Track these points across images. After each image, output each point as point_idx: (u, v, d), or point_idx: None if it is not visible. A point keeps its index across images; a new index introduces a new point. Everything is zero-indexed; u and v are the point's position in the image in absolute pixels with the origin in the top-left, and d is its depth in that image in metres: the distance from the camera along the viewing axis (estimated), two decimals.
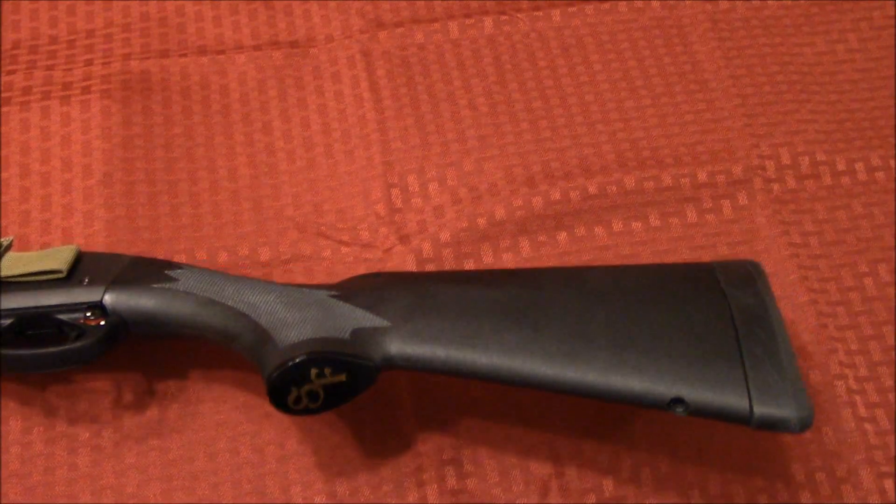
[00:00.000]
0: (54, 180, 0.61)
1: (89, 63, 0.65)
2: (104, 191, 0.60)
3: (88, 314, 0.50)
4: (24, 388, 0.54)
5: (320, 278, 0.59)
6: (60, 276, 0.51)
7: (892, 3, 0.70)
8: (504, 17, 0.68)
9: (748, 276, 0.51)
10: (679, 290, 0.50)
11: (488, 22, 0.68)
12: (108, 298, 0.50)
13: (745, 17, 0.69)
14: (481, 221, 0.60)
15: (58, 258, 0.51)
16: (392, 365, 0.48)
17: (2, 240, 0.54)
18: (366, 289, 0.51)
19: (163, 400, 0.54)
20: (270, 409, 0.48)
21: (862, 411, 0.56)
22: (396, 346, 0.48)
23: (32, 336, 0.51)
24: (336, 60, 0.66)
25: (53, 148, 0.62)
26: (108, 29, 0.67)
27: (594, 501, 0.53)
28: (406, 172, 0.62)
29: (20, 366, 0.50)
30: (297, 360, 0.46)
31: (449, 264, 0.59)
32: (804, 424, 0.44)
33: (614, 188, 0.62)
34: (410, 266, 0.59)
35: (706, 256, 0.60)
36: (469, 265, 0.59)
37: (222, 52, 0.66)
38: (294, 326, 0.48)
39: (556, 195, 0.61)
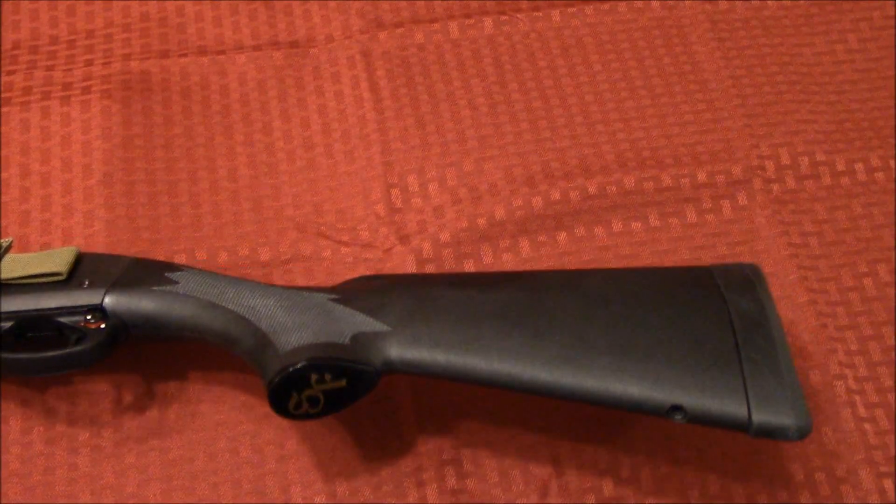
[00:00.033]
0: (54, 180, 0.61)
1: (89, 63, 0.65)
2: (104, 191, 0.60)
3: (89, 317, 0.50)
4: (24, 389, 0.54)
5: (320, 278, 0.59)
6: (60, 278, 0.51)
7: (892, 3, 0.71)
8: (504, 18, 0.68)
9: (748, 280, 0.51)
10: (679, 296, 0.50)
11: (488, 22, 0.68)
12: (109, 301, 0.50)
13: (744, 17, 0.69)
14: (481, 221, 0.60)
15: (57, 260, 0.51)
16: (392, 370, 0.48)
17: (1, 241, 0.54)
18: (365, 292, 0.51)
19: (163, 400, 0.54)
20: (270, 409, 0.48)
21: (861, 411, 0.56)
22: (396, 351, 0.48)
23: (33, 339, 0.51)
24: (336, 61, 0.66)
25: (53, 148, 0.62)
26: (108, 29, 0.67)
27: (593, 502, 0.53)
28: (406, 172, 0.62)
29: (21, 370, 0.50)
30: (298, 366, 0.46)
31: (449, 264, 0.59)
32: (802, 433, 0.44)
33: (614, 188, 0.62)
34: (410, 266, 0.59)
35: (706, 256, 0.60)
36: (469, 265, 0.59)
37: (222, 52, 0.66)
38: (294, 331, 0.48)
39: (556, 195, 0.61)
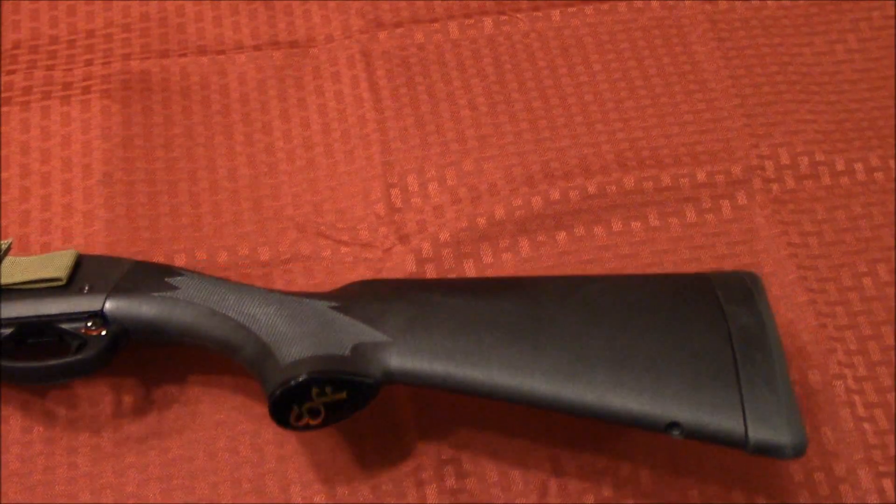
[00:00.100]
0: (54, 180, 0.61)
1: (89, 63, 0.65)
2: (104, 191, 0.60)
3: (90, 324, 0.49)
4: (24, 389, 0.54)
5: (320, 278, 0.59)
6: (60, 283, 0.50)
7: (892, 3, 0.71)
8: (504, 18, 0.68)
9: (747, 292, 0.51)
10: (678, 308, 0.50)
11: (488, 22, 0.68)
12: (109, 307, 0.50)
13: (744, 17, 0.69)
14: (481, 221, 0.60)
15: (57, 264, 0.51)
16: (392, 380, 0.48)
17: (0, 243, 0.54)
18: (365, 299, 0.51)
19: (162, 400, 0.54)
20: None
21: (861, 411, 0.56)
22: (396, 363, 0.48)
23: (33, 345, 0.51)
24: (336, 60, 0.66)
25: (53, 148, 0.62)
26: (108, 29, 0.67)
27: (592, 502, 0.53)
28: (406, 172, 0.62)
29: (21, 378, 0.51)
30: (299, 380, 0.47)
31: (448, 264, 0.59)
32: (798, 451, 0.45)
33: (613, 188, 0.62)
34: (410, 266, 0.59)
35: (705, 256, 0.60)
36: (468, 265, 0.59)
37: (222, 52, 0.66)
38: (295, 342, 0.48)
39: (556, 195, 0.62)
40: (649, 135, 0.64)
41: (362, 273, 0.59)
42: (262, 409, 0.54)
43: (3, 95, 0.64)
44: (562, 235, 0.61)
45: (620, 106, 0.66)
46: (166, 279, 0.51)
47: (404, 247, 0.60)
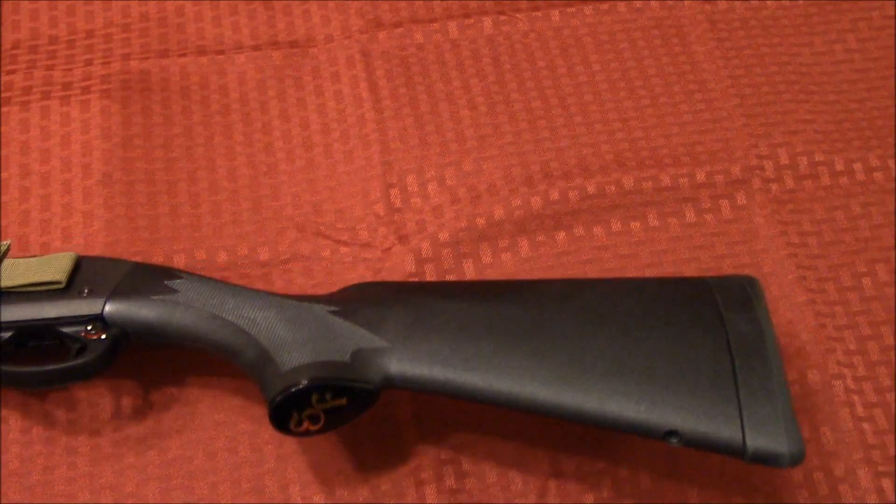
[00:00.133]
0: (54, 180, 0.61)
1: (89, 63, 0.65)
2: (104, 191, 0.60)
3: (89, 327, 0.50)
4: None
5: (319, 278, 0.59)
6: (59, 286, 0.50)
7: (891, 3, 0.71)
8: (503, 18, 0.69)
9: (746, 298, 0.51)
10: (677, 315, 0.50)
11: (487, 22, 0.68)
12: (109, 310, 0.50)
13: (743, 17, 0.69)
14: (480, 221, 0.61)
15: (56, 267, 0.51)
16: (391, 386, 0.48)
17: None
18: (364, 303, 0.51)
19: (162, 400, 0.54)
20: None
21: (860, 411, 0.56)
22: (396, 368, 0.48)
23: (34, 348, 0.51)
24: (335, 60, 0.66)
25: (53, 148, 0.62)
26: (108, 29, 0.67)
27: (593, 501, 0.53)
28: (405, 172, 0.62)
29: (22, 382, 0.51)
30: (300, 387, 0.47)
31: (448, 264, 0.59)
32: (796, 460, 0.45)
33: (613, 188, 0.62)
34: (409, 266, 0.59)
35: (704, 256, 0.60)
36: (468, 265, 0.59)
37: (222, 52, 0.66)
38: (295, 348, 0.48)
39: (555, 195, 0.62)
40: (648, 135, 0.64)
41: (362, 273, 0.59)
42: (261, 410, 0.54)
43: (2, 95, 0.64)
44: (561, 235, 0.61)
45: (619, 106, 0.66)
46: (165, 282, 0.51)
47: (403, 247, 0.60)
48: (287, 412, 0.47)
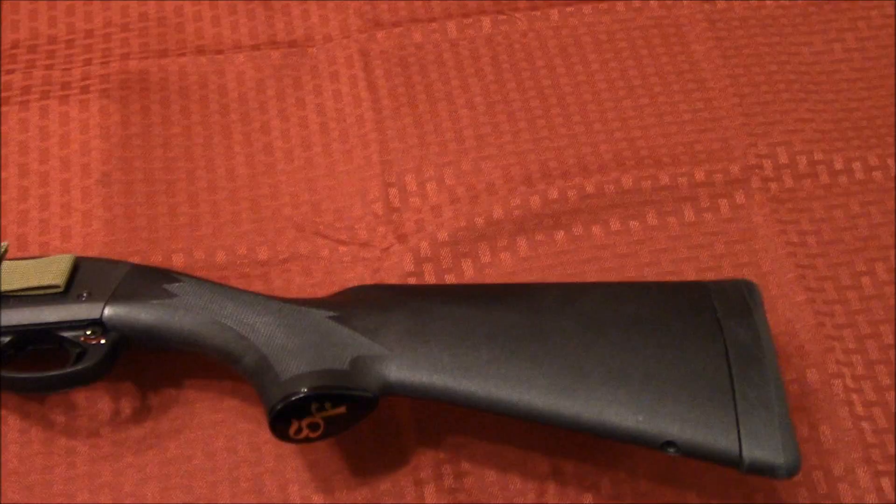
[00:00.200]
0: (53, 180, 0.61)
1: (88, 63, 0.65)
2: (103, 190, 0.60)
3: (89, 332, 0.49)
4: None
5: (318, 277, 0.59)
6: (58, 290, 0.50)
7: (891, 2, 0.71)
8: (502, 17, 0.69)
9: (744, 304, 0.51)
10: (676, 322, 0.50)
11: (486, 22, 0.68)
12: (108, 314, 0.50)
13: (742, 16, 0.69)
14: (479, 221, 0.60)
15: (55, 270, 0.51)
16: (391, 393, 0.49)
17: None
18: (364, 308, 0.51)
19: (161, 399, 0.54)
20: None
21: (859, 410, 0.56)
22: (395, 376, 0.48)
23: (33, 352, 0.51)
24: (334, 60, 0.66)
25: (52, 147, 0.62)
26: (107, 29, 0.67)
27: (591, 501, 0.53)
28: (404, 172, 0.62)
29: (21, 388, 0.51)
30: (299, 396, 0.47)
31: (446, 263, 0.59)
32: (792, 471, 0.45)
33: (612, 187, 0.62)
34: (408, 265, 0.59)
35: (703, 255, 0.60)
36: (467, 265, 0.59)
37: (221, 51, 0.66)
38: (294, 355, 0.48)
39: (554, 194, 0.62)
40: (647, 134, 0.64)
41: (360, 272, 0.59)
42: (259, 410, 0.54)
43: (1, 95, 0.64)
44: (560, 235, 0.61)
45: (618, 105, 0.66)
46: (164, 285, 0.51)
47: (402, 246, 0.60)
48: (286, 421, 0.47)
